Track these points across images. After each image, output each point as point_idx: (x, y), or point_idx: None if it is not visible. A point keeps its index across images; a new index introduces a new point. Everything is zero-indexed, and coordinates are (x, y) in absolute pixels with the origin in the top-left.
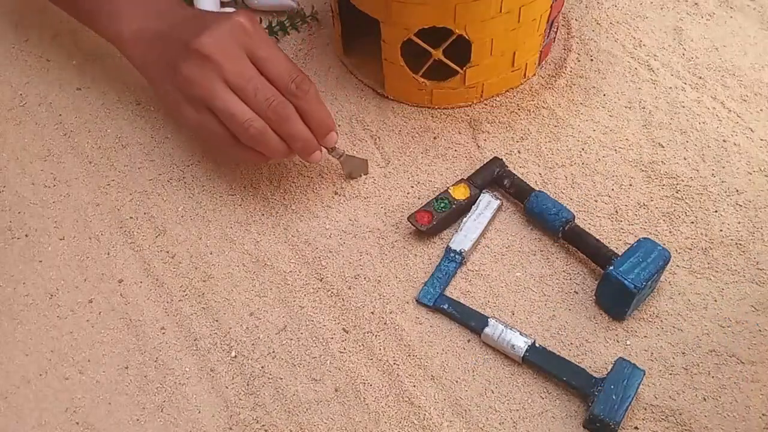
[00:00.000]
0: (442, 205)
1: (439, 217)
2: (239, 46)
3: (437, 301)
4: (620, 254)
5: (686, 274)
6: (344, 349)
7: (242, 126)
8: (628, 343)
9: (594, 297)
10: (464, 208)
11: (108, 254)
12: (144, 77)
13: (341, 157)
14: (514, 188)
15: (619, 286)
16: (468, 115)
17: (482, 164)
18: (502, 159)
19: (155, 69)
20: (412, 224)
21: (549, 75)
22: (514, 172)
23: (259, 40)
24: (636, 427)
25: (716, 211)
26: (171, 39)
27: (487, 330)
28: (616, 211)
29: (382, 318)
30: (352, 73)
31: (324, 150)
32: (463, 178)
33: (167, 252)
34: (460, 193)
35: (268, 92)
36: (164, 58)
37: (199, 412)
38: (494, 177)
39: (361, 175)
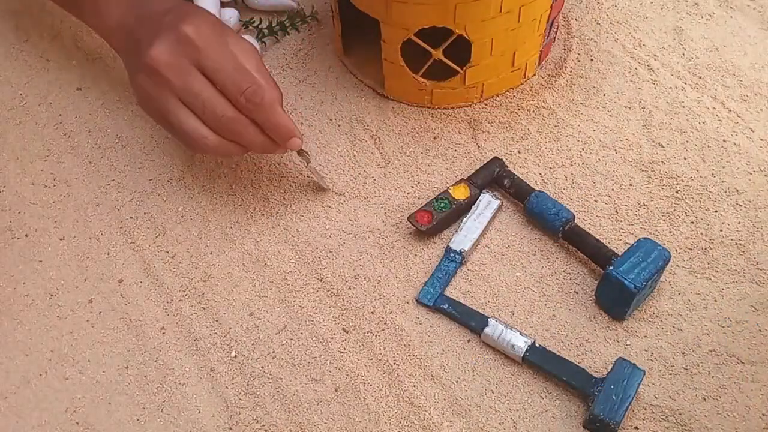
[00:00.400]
0: (442, 205)
1: (439, 217)
2: (187, 58)
3: (437, 301)
4: (620, 254)
5: (686, 274)
6: (344, 349)
7: (196, 142)
8: (628, 343)
9: (594, 297)
10: (464, 208)
11: (108, 254)
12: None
13: (307, 165)
14: (514, 188)
15: (619, 286)
16: (468, 115)
17: (482, 164)
18: (502, 159)
19: (127, 65)
20: (412, 224)
21: (549, 75)
22: (514, 172)
23: (208, 50)
24: (636, 427)
25: (716, 211)
26: (133, 40)
27: (487, 330)
28: (616, 211)
29: (382, 318)
30: (352, 73)
31: (294, 146)
32: (463, 178)
33: (167, 252)
34: (460, 193)
35: (218, 107)
36: (129, 58)
37: (199, 412)
38: (494, 177)
39: (323, 188)
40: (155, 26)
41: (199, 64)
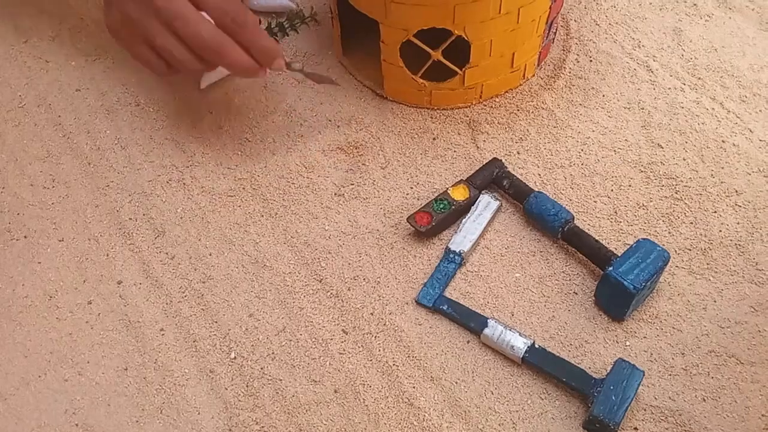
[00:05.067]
0: (442, 206)
1: (438, 218)
2: None
3: (437, 302)
4: (619, 255)
5: (686, 274)
6: (344, 350)
7: (180, 64)
8: (628, 343)
9: (593, 298)
10: (463, 209)
11: (107, 255)
12: None
13: (303, 72)
14: (513, 189)
15: (618, 286)
16: (467, 116)
17: (481, 165)
18: (501, 160)
19: None
20: (411, 225)
21: (548, 76)
22: (514, 172)
23: None
24: (635, 428)
25: (715, 212)
26: None
27: (486, 331)
28: (616, 212)
29: (382, 319)
30: (351, 73)
31: (278, 66)
32: (462, 179)
33: (166, 253)
34: (460, 194)
35: (204, 28)
36: None
37: (199, 413)
38: (493, 178)
39: (332, 83)
40: None
41: None
